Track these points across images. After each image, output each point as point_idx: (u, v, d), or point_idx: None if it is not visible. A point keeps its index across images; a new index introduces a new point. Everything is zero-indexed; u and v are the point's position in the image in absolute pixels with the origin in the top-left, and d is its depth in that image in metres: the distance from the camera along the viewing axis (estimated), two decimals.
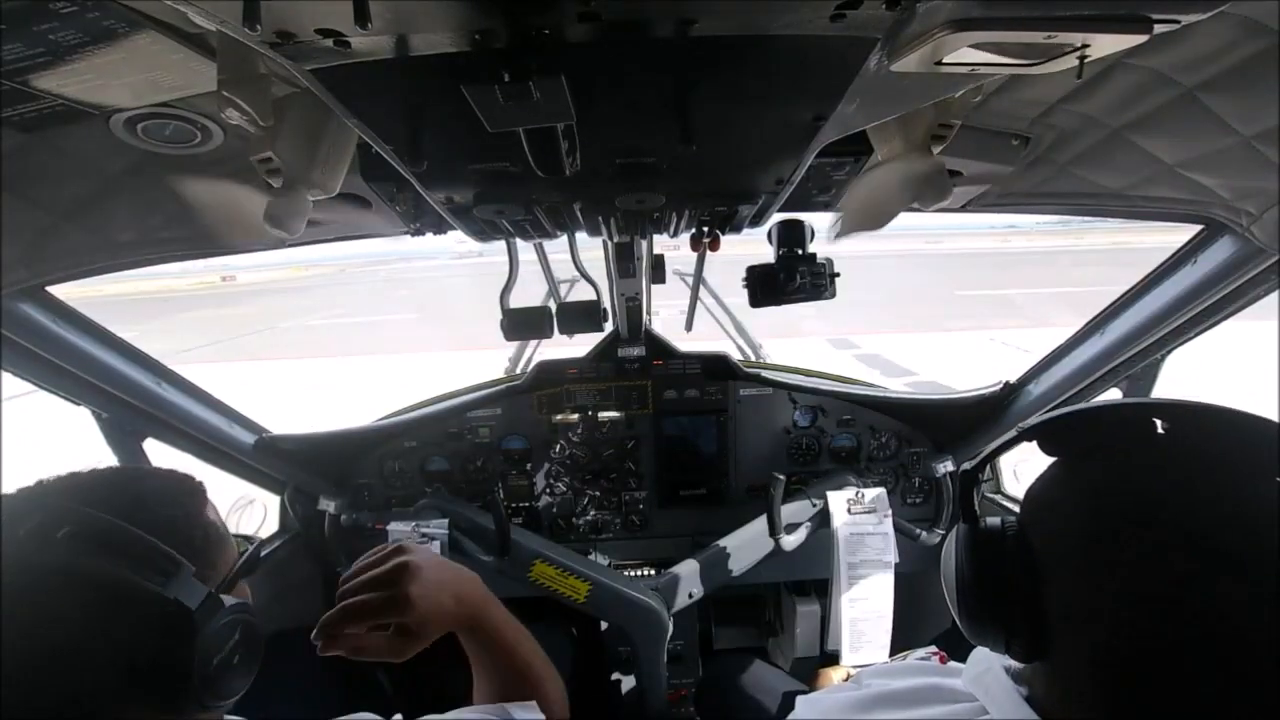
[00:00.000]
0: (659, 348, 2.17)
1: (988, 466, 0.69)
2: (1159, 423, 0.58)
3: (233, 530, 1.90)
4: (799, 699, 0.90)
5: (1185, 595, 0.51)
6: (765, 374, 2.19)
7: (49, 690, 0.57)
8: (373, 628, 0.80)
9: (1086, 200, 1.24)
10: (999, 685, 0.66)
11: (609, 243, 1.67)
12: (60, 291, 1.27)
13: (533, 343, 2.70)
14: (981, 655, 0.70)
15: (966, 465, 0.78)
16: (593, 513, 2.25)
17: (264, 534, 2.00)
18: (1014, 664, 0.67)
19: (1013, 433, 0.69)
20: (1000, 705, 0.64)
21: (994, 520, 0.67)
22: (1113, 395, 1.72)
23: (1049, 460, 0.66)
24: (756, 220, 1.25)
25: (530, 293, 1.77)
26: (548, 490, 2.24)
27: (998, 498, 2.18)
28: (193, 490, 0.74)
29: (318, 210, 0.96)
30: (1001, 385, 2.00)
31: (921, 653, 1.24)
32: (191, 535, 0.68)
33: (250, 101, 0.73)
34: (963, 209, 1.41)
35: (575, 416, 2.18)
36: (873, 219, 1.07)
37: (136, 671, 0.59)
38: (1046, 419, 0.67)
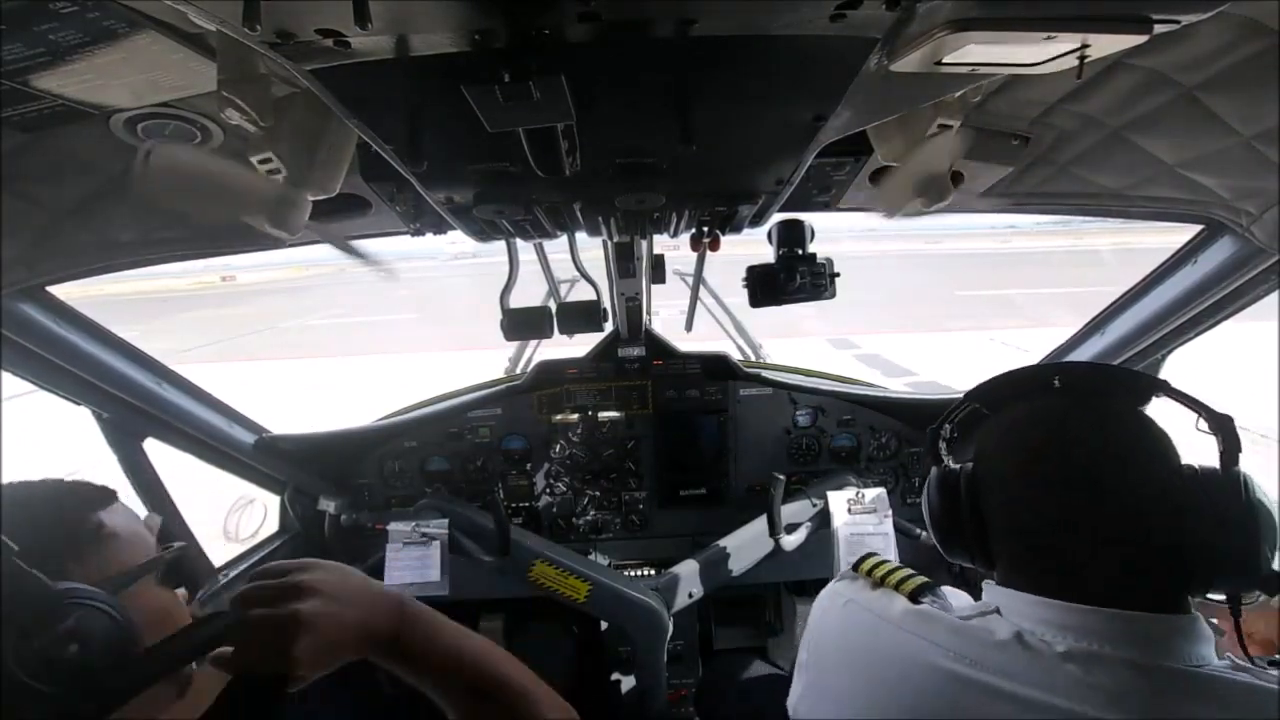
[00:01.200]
0: (659, 348, 2.17)
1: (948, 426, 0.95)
2: (1055, 379, 0.82)
3: (236, 531, 1.91)
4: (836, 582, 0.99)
5: (1078, 483, 0.74)
6: (765, 374, 2.19)
7: None
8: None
9: (1086, 200, 1.24)
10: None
11: (609, 243, 1.67)
12: (60, 291, 1.27)
13: (533, 343, 2.70)
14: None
15: (932, 426, 0.96)
16: (593, 513, 2.25)
17: (264, 534, 2.00)
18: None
19: (962, 397, 0.93)
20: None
21: (954, 465, 0.87)
22: None
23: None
24: (756, 220, 1.25)
25: (530, 293, 1.77)
26: (548, 490, 2.24)
27: None
28: (87, 495, 0.75)
29: (318, 210, 0.96)
30: None
31: None
32: (77, 534, 0.70)
33: (250, 101, 0.73)
34: (963, 209, 1.41)
35: (575, 416, 2.18)
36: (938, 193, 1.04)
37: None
38: (980, 384, 0.91)
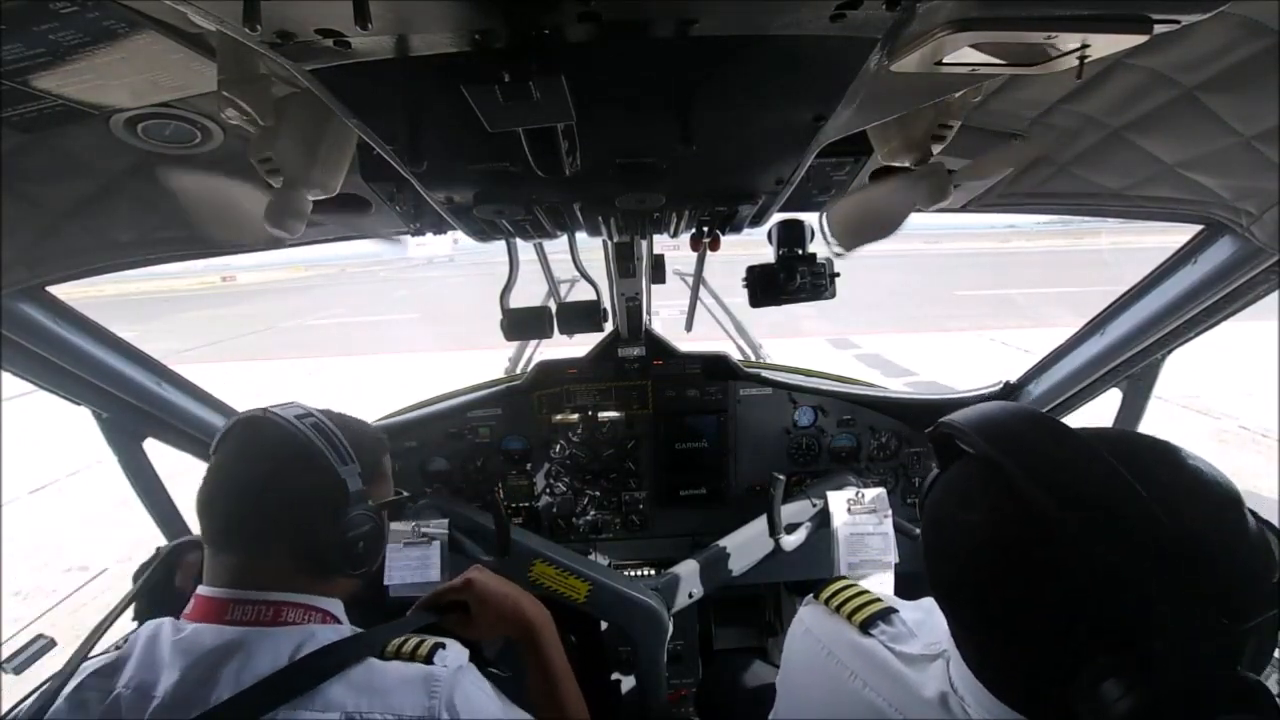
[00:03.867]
0: (659, 348, 2.17)
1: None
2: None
3: None
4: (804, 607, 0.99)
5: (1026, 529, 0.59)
6: (765, 374, 2.19)
7: (259, 506, 0.90)
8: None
9: (1086, 200, 1.24)
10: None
11: (609, 243, 1.67)
12: (60, 291, 1.28)
13: (533, 343, 2.70)
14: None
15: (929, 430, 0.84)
16: (593, 513, 2.25)
17: None
18: None
19: (969, 393, 0.90)
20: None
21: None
22: (1113, 395, 1.72)
23: None
24: (756, 220, 1.25)
25: (530, 293, 1.77)
26: (548, 490, 2.24)
27: None
28: (383, 443, 1.07)
29: (318, 210, 0.96)
30: (1001, 385, 1.99)
31: None
32: (372, 457, 1.01)
33: (250, 101, 0.73)
34: (963, 209, 1.41)
35: (575, 416, 2.18)
36: (881, 228, 1.05)
37: (303, 512, 0.90)
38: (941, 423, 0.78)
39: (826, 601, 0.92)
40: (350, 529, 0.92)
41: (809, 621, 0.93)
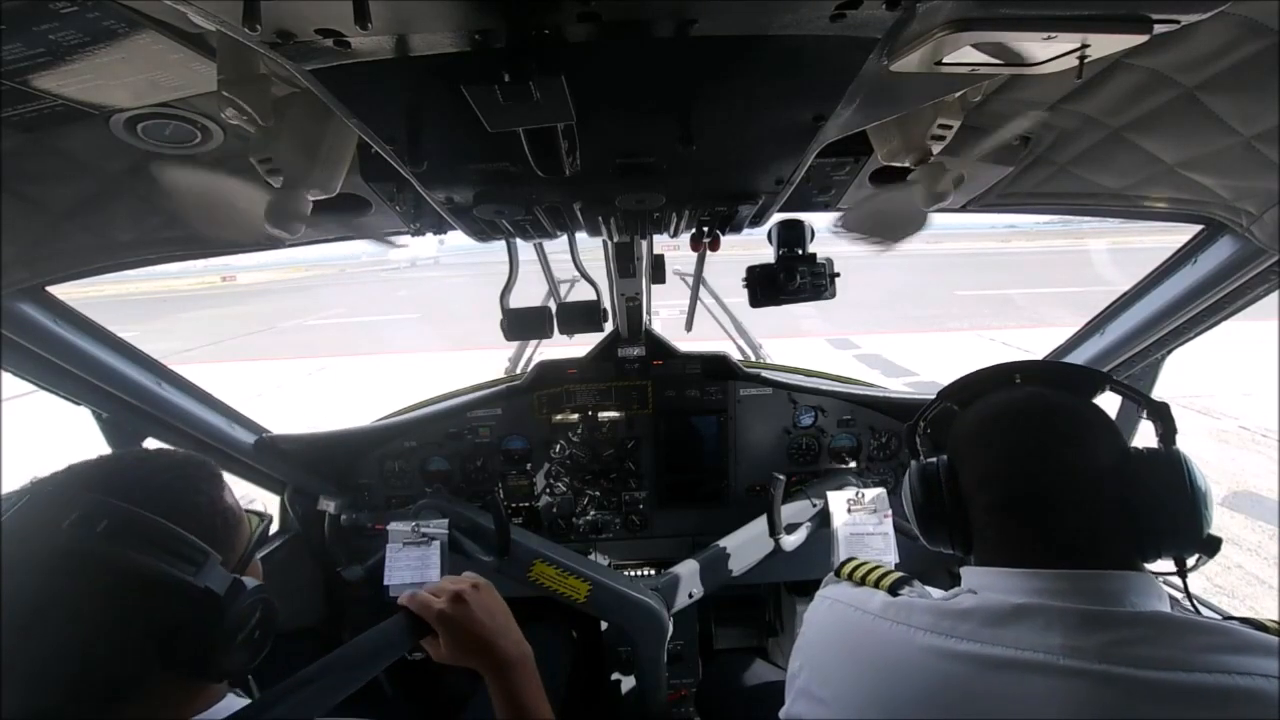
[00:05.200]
0: (659, 348, 2.17)
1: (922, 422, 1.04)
2: (1016, 376, 0.94)
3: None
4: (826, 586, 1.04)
5: (1038, 454, 0.82)
6: (765, 374, 2.19)
7: (83, 670, 0.62)
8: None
9: (1086, 200, 1.24)
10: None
11: (609, 243, 1.67)
12: (60, 291, 1.27)
13: (533, 343, 2.70)
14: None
15: (909, 423, 1.04)
16: (593, 513, 2.25)
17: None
18: None
19: (934, 396, 1.03)
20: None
21: (930, 459, 0.94)
22: (1113, 395, 1.72)
23: None
24: (756, 220, 1.25)
25: (530, 293, 1.77)
26: (548, 490, 2.24)
27: None
28: (211, 475, 0.78)
29: (318, 210, 0.96)
30: None
31: None
32: (214, 521, 0.73)
33: (250, 101, 0.73)
34: (963, 209, 1.41)
35: (575, 416, 2.17)
36: (889, 234, 1.09)
37: (167, 650, 0.65)
38: (949, 384, 1.01)
39: (850, 575, 0.99)
40: (235, 632, 0.69)
41: (835, 594, 0.95)
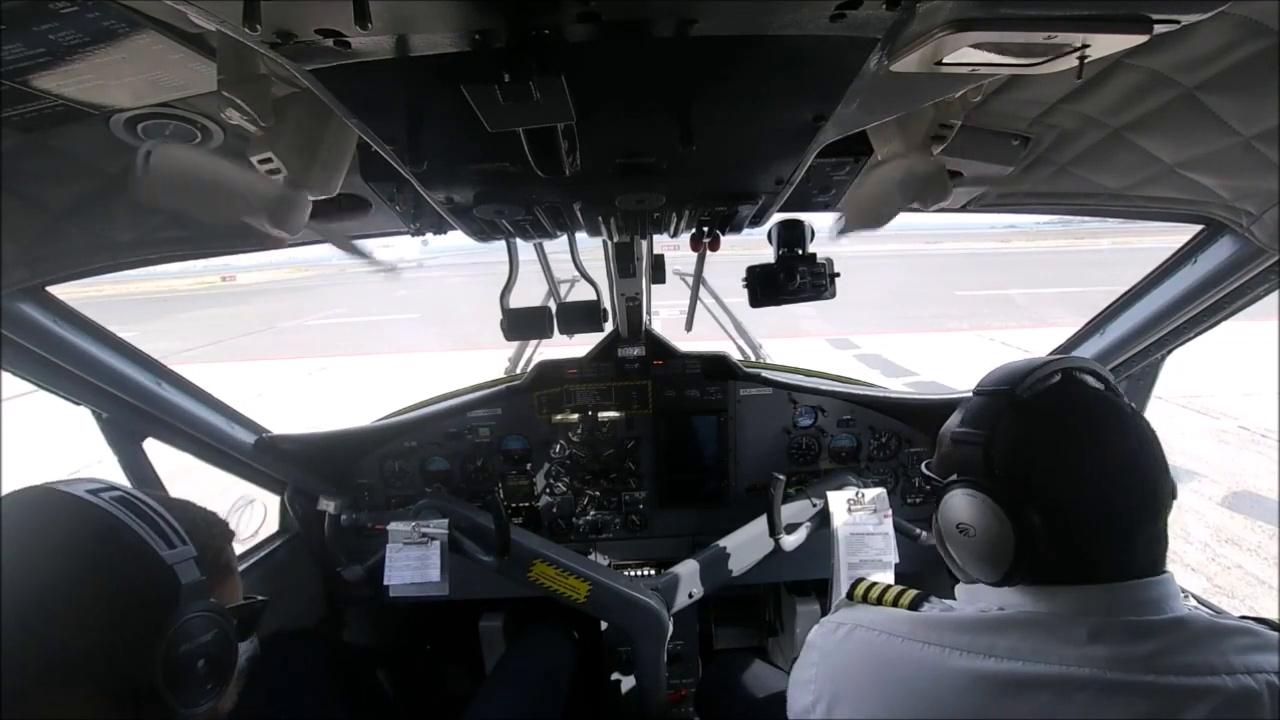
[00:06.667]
0: (659, 348, 2.17)
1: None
2: (1059, 373, 0.84)
3: (236, 531, 1.91)
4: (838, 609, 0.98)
5: (1116, 473, 0.77)
6: (765, 374, 2.19)
7: (37, 617, 0.62)
8: None
9: (1086, 200, 1.24)
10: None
11: (609, 243, 1.67)
12: (60, 291, 1.27)
13: (533, 343, 2.70)
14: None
15: (961, 429, 0.91)
16: (592, 513, 2.25)
17: (264, 534, 2.00)
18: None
19: (969, 393, 0.93)
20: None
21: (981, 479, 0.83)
22: None
23: None
24: (756, 220, 1.25)
25: (530, 293, 1.77)
26: (548, 490, 2.24)
27: None
28: (223, 527, 0.83)
29: (318, 210, 0.96)
30: None
31: None
32: (205, 545, 0.75)
33: (250, 101, 0.73)
34: (963, 209, 1.41)
35: (575, 416, 2.17)
36: (874, 218, 1.08)
37: (113, 626, 0.64)
38: (983, 381, 0.92)
39: (864, 597, 0.95)
40: (182, 639, 0.65)
41: (856, 619, 0.89)
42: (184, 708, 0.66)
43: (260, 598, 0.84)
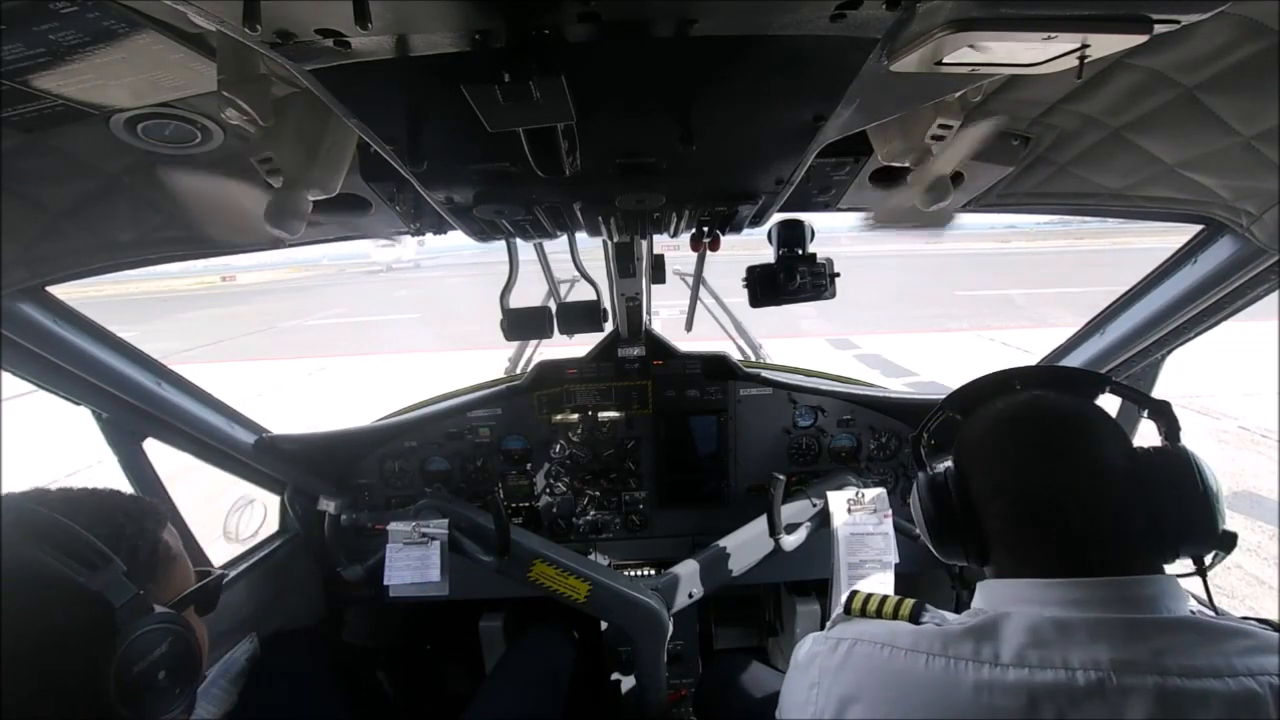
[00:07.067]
0: (659, 348, 2.17)
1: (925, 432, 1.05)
2: (1016, 382, 0.96)
3: (236, 531, 1.91)
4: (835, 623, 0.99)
5: (1054, 452, 0.82)
6: (765, 374, 2.19)
7: None
8: None
9: (1086, 200, 1.24)
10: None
11: (609, 243, 1.67)
12: (60, 291, 1.27)
13: (533, 343, 2.70)
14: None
15: (913, 434, 1.04)
16: (593, 513, 2.25)
17: (264, 534, 2.00)
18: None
19: (938, 405, 1.02)
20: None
21: (938, 468, 0.94)
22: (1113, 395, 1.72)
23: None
24: (756, 220, 1.25)
25: (530, 293, 1.77)
26: (548, 490, 2.24)
27: None
28: (154, 513, 0.76)
29: (318, 210, 0.96)
30: None
31: None
32: (136, 545, 0.70)
33: (250, 101, 0.73)
34: (963, 209, 1.41)
35: (575, 416, 2.18)
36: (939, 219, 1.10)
37: (47, 675, 0.58)
38: (950, 393, 1.03)
39: (862, 611, 0.93)
40: (133, 661, 0.62)
41: (856, 633, 0.88)
42: (157, 718, 0.64)
43: (217, 570, 0.80)
